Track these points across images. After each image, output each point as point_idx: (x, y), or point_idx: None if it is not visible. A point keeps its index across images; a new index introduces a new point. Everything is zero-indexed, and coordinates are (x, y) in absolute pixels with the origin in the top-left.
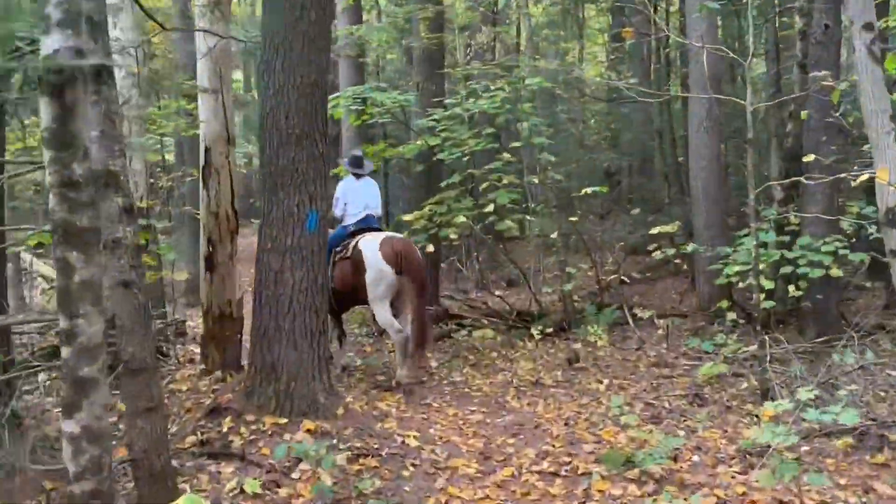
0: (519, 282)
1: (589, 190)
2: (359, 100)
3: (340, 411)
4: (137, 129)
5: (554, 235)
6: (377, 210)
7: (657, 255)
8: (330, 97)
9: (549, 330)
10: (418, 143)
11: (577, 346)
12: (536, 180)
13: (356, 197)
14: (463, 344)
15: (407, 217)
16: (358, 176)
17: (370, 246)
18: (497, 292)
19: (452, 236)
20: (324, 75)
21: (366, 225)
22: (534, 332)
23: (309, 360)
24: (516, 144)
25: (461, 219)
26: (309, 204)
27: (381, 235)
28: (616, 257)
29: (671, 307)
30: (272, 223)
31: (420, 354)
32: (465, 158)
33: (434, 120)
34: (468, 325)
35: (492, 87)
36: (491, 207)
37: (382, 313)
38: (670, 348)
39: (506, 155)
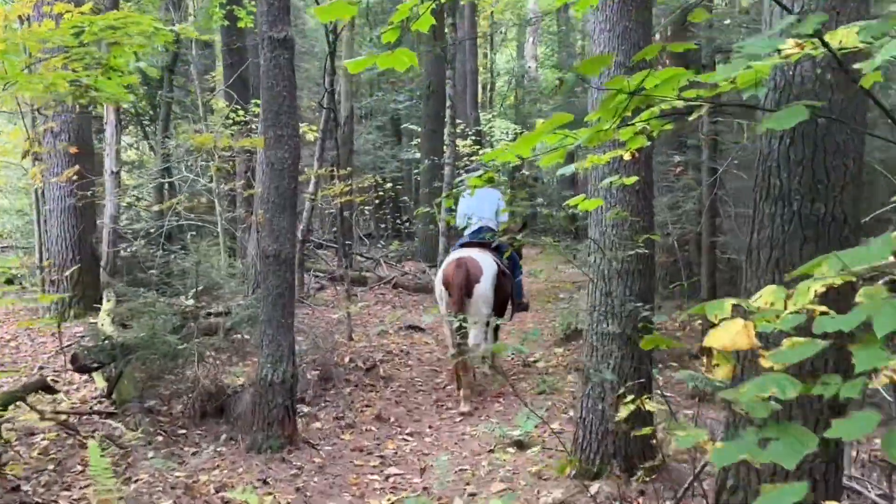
0: None
1: None
2: None
3: None
4: None
5: None
6: (491, 221)
7: None
8: None
9: None
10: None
11: None
12: None
13: (470, 208)
14: None
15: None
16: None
17: (444, 264)
18: None
19: None
20: None
21: (475, 238)
22: None
23: None
24: None
25: None
26: None
27: (459, 253)
28: None
29: None
30: None
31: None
32: None
33: None
34: None
35: None
36: None
37: (444, 327)
38: None
39: None
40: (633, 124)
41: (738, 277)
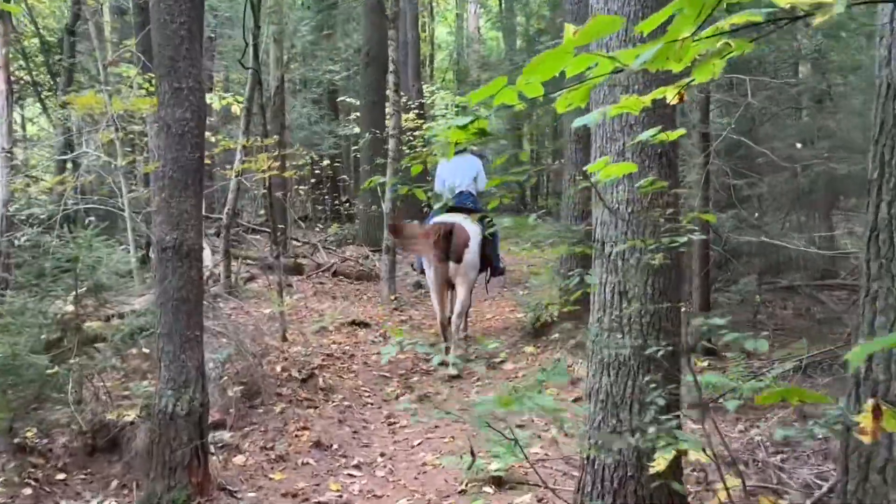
0: None
1: None
2: None
3: None
4: None
5: None
6: (470, 187)
7: None
8: None
9: None
10: None
11: None
12: None
13: (449, 175)
14: None
15: None
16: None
17: (430, 224)
18: None
19: None
20: None
21: (458, 204)
22: None
23: None
24: None
25: None
26: None
27: (445, 217)
28: None
29: None
30: None
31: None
32: None
33: None
34: None
35: None
36: None
37: (431, 294)
38: None
39: None
40: (698, 40)
41: (733, 263)
